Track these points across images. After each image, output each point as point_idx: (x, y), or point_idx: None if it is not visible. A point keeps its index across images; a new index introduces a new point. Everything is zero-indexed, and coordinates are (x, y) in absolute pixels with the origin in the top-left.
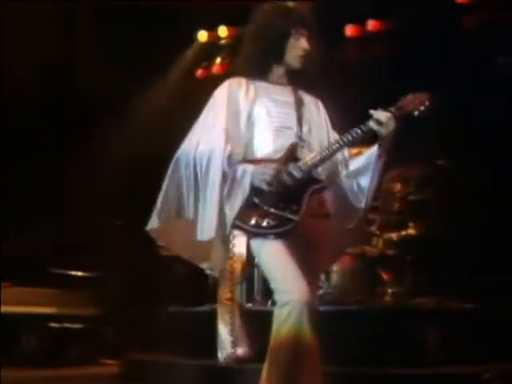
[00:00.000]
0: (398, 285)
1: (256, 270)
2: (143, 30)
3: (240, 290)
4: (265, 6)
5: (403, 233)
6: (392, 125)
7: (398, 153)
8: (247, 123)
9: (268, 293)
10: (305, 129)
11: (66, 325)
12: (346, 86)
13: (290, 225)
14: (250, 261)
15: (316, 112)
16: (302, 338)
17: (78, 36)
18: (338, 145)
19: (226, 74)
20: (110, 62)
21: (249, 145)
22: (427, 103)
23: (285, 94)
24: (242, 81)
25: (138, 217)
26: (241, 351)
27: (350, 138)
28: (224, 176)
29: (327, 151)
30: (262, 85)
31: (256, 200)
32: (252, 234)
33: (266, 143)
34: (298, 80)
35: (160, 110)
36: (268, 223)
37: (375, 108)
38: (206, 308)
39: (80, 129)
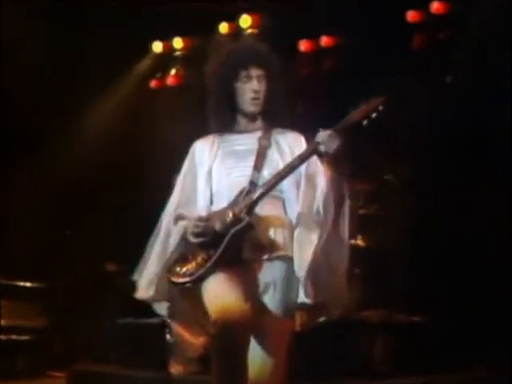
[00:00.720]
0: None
1: None
2: (94, 38)
3: None
4: (214, 43)
5: (352, 245)
6: (334, 143)
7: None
8: (208, 180)
9: None
10: (265, 172)
11: (13, 336)
12: (299, 100)
13: (201, 271)
14: None
15: (288, 150)
16: (230, 359)
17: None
18: (278, 177)
19: (181, 86)
20: (59, 72)
21: (212, 201)
22: (381, 108)
23: (248, 143)
24: (209, 139)
25: (87, 227)
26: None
27: (289, 167)
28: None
29: (265, 186)
30: (227, 138)
31: (186, 252)
32: (177, 284)
33: (222, 196)
34: (270, 121)
35: (112, 121)
36: (186, 271)
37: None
38: (156, 320)
39: (28, 138)
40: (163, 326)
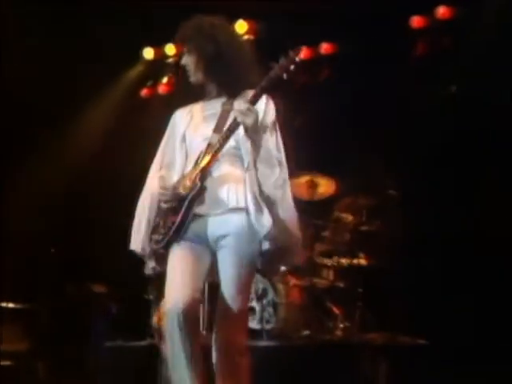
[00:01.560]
0: (349, 319)
1: (201, 305)
2: (81, 43)
3: None
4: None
5: (354, 263)
6: (251, 115)
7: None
8: (182, 144)
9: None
10: (223, 135)
11: None
12: (296, 109)
13: (166, 238)
14: None
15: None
16: (176, 345)
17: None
18: (217, 146)
19: (173, 94)
20: (47, 78)
21: (187, 163)
22: (297, 59)
23: (214, 107)
24: (187, 107)
25: (74, 245)
26: None
27: (223, 138)
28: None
29: (209, 155)
30: (200, 105)
31: (158, 219)
32: (154, 250)
33: (191, 159)
34: (223, 89)
35: (100, 132)
36: (159, 237)
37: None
38: (144, 343)
39: (12, 149)
40: (153, 349)
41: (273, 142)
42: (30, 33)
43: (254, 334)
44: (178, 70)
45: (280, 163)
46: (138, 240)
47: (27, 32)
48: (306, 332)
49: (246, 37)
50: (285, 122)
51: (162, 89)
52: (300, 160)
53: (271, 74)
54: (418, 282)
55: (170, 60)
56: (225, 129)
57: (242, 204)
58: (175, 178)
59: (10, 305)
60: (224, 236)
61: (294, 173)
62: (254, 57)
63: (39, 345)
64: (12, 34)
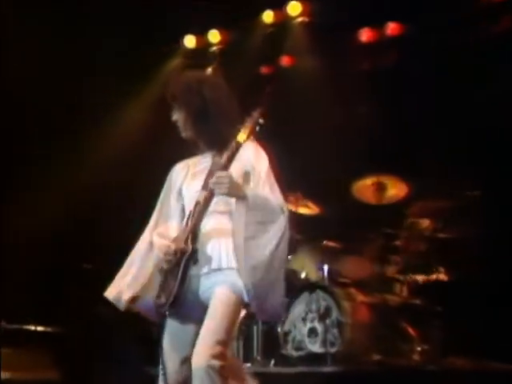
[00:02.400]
0: (427, 341)
1: (256, 326)
2: (120, 34)
3: (236, 348)
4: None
5: (431, 277)
6: (225, 181)
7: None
8: (179, 200)
9: (271, 351)
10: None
11: None
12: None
13: (167, 304)
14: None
15: (239, 164)
16: None
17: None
18: (198, 207)
19: None
20: (82, 73)
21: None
22: (261, 121)
23: (206, 161)
24: (184, 162)
25: (104, 261)
26: None
27: (205, 198)
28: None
29: (193, 216)
30: (196, 159)
31: (162, 277)
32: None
33: (185, 215)
34: (209, 145)
35: (135, 131)
36: (160, 301)
37: None
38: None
39: (30, 161)
40: None
41: (267, 191)
42: (56, 21)
43: (317, 358)
44: (222, 58)
45: (279, 211)
46: (116, 288)
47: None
48: (377, 356)
49: (299, 19)
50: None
51: None
52: (364, 159)
53: (237, 139)
54: (507, 299)
55: (214, 48)
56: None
57: (232, 264)
58: (172, 233)
59: (34, 328)
60: (214, 285)
61: (358, 174)
62: (239, 108)
63: (70, 373)
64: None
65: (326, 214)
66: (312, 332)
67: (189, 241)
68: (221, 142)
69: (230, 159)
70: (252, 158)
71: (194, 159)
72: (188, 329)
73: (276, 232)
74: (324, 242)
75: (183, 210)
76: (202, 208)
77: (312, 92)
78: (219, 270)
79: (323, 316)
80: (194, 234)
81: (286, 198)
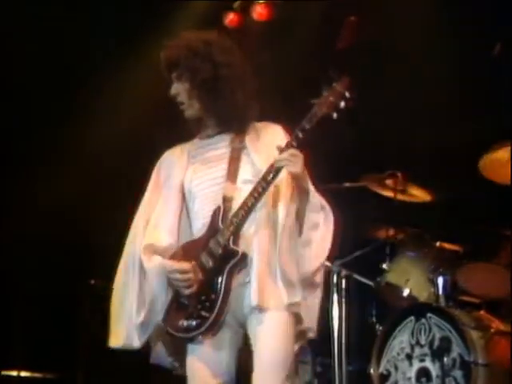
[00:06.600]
0: None
1: (338, 367)
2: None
3: None
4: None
5: None
6: (298, 161)
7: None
8: (180, 199)
9: None
10: (242, 179)
11: None
12: None
13: (208, 323)
14: None
15: (267, 147)
16: None
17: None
18: (252, 199)
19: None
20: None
21: (191, 221)
22: (348, 94)
23: (217, 147)
24: (176, 149)
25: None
26: None
27: (261, 188)
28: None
29: (243, 211)
30: (197, 144)
31: (181, 299)
32: (185, 339)
33: (198, 216)
34: (225, 125)
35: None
36: (193, 324)
37: None
38: None
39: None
40: None
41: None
42: None
43: None
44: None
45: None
46: (123, 331)
47: None
48: None
49: None
50: None
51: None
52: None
53: (315, 111)
54: None
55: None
56: (257, 179)
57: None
58: (165, 239)
59: (47, 375)
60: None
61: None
62: (256, 79)
63: None
64: None
65: (439, 202)
66: (422, 375)
67: (231, 244)
68: (238, 119)
69: (300, 138)
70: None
71: (191, 145)
72: (222, 356)
73: (325, 238)
74: (437, 244)
75: (181, 211)
76: (249, 206)
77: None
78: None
79: (439, 352)
80: (235, 237)
81: (381, 181)
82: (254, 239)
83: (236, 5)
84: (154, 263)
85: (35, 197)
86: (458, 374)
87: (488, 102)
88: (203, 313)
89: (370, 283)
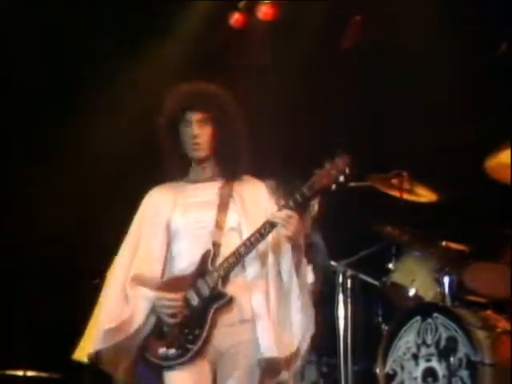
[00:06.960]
0: None
1: (344, 366)
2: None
3: None
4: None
5: None
6: (294, 223)
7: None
8: (166, 235)
9: None
10: (229, 226)
11: None
12: None
13: (190, 354)
14: None
15: (253, 201)
16: None
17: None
18: (244, 248)
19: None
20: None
21: (171, 258)
22: (347, 170)
23: (207, 193)
24: (164, 187)
25: None
26: None
27: (254, 238)
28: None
29: (234, 257)
30: (185, 187)
31: (164, 328)
32: (163, 367)
33: (182, 256)
34: (223, 167)
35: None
36: (173, 353)
37: None
38: None
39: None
40: None
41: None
42: None
43: None
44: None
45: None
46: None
47: None
48: None
49: None
50: None
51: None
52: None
53: (314, 183)
54: None
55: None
56: (251, 233)
57: (247, 317)
58: (154, 270)
59: (53, 375)
60: (231, 346)
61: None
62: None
63: None
64: None
65: (445, 201)
66: (428, 375)
67: (219, 287)
68: (234, 169)
69: (302, 201)
70: (269, 205)
71: (179, 186)
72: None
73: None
74: (443, 243)
75: (167, 248)
76: (239, 254)
77: None
78: (243, 321)
79: (445, 352)
80: (224, 281)
81: (386, 181)
82: (258, 289)
83: (241, 4)
84: (142, 290)
85: (35, 197)
86: (464, 373)
87: (490, 101)
88: (186, 344)
89: (376, 283)
